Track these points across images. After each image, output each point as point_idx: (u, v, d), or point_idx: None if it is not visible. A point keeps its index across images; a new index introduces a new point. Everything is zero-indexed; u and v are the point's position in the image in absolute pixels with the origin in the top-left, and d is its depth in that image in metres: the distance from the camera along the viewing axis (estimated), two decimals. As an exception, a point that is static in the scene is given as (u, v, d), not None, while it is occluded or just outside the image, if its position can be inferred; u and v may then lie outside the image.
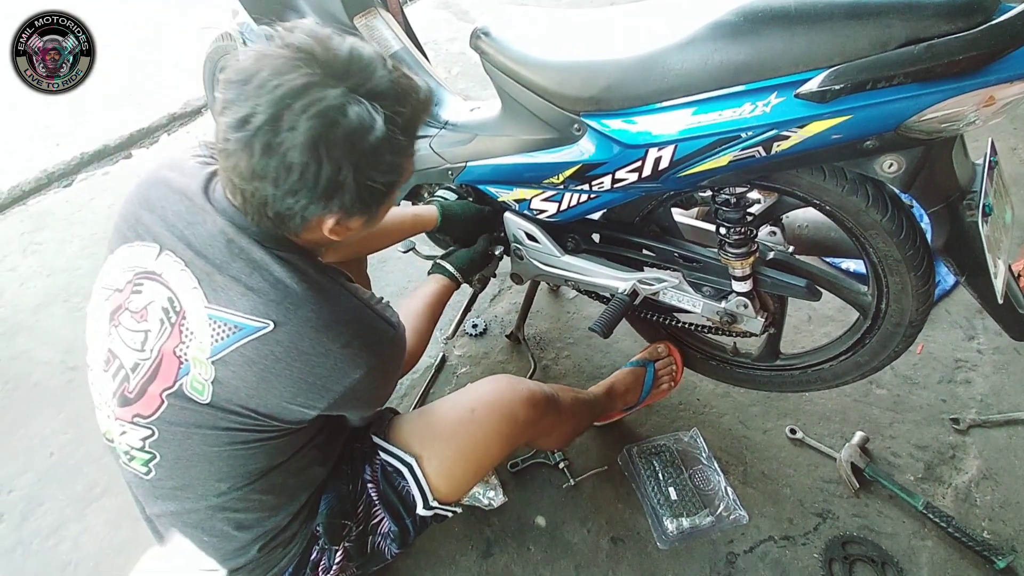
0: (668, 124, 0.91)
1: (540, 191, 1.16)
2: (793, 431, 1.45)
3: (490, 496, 1.34)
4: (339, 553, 0.96)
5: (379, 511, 0.99)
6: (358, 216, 0.78)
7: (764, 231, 1.18)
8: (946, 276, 1.74)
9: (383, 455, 1.01)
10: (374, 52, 0.75)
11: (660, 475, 1.36)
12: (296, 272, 0.79)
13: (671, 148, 0.92)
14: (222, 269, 0.78)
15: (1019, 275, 1.71)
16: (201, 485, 0.86)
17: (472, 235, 1.34)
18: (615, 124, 0.97)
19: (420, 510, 1.00)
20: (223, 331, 0.78)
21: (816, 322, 1.66)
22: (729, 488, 1.35)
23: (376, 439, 1.02)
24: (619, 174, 1.01)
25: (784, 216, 1.18)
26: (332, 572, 0.96)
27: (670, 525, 1.28)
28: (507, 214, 1.29)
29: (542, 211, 1.19)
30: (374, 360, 0.84)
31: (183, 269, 0.80)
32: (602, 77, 0.94)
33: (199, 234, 0.80)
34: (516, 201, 1.22)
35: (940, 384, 1.53)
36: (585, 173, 1.05)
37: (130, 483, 0.94)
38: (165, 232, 0.82)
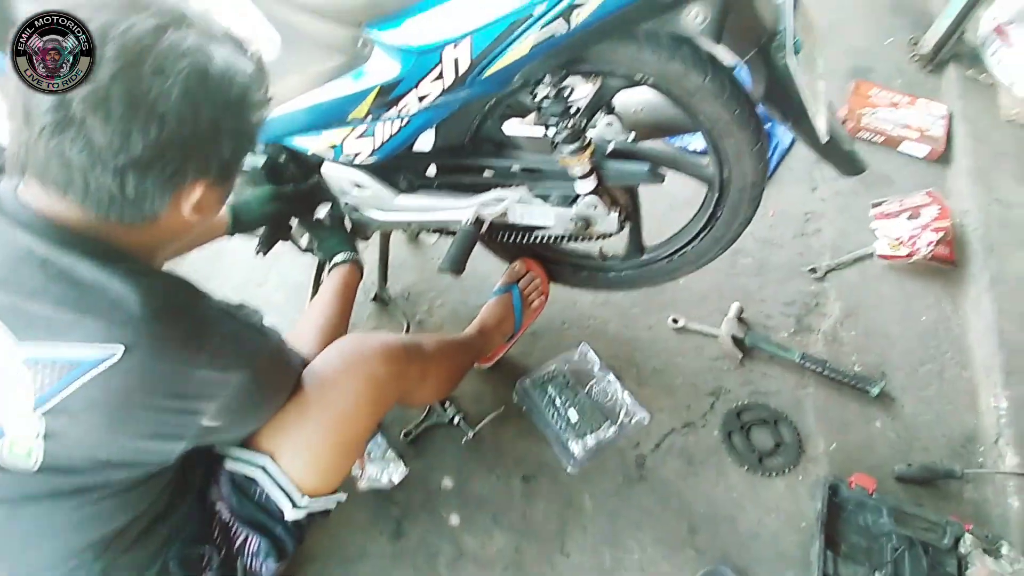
0: (456, 17, 0.79)
1: (349, 129, 1.01)
2: (675, 320, 1.46)
3: (389, 473, 1.24)
4: None
5: (240, 530, 0.85)
6: (220, 186, 0.69)
7: (602, 123, 1.11)
8: (783, 136, 1.80)
9: (230, 463, 0.85)
10: None
11: (556, 400, 1.32)
12: (138, 283, 0.65)
13: (466, 44, 0.81)
14: (36, 297, 0.63)
15: (843, 121, 1.80)
16: (44, 568, 0.71)
17: (286, 217, 1.19)
18: (402, 30, 0.83)
19: (291, 513, 0.86)
20: (51, 373, 0.64)
21: (677, 208, 1.65)
22: (626, 393, 1.34)
23: (217, 448, 0.87)
24: (422, 88, 0.88)
25: (617, 104, 1.12)
26: None
27: (575, 447, 1.25)
28: (324, 167, 1.13)
29: (358, 153, 1.04)
30: (246, 372, 0.73)
31: None
32: (370, -25, 0.80)
33: None
34: (330, 148, 1.06)
35: (795, 239, 1.60)
36: (387, 96, 0.91)
37: None
38: None
